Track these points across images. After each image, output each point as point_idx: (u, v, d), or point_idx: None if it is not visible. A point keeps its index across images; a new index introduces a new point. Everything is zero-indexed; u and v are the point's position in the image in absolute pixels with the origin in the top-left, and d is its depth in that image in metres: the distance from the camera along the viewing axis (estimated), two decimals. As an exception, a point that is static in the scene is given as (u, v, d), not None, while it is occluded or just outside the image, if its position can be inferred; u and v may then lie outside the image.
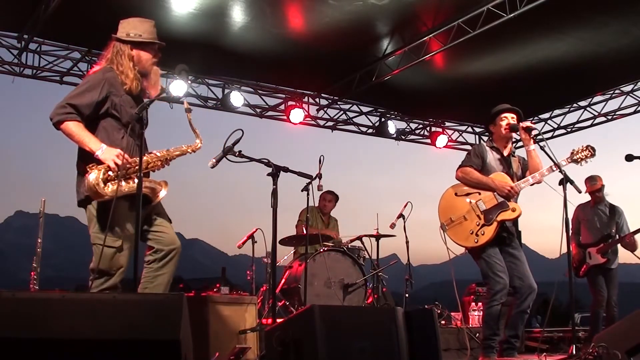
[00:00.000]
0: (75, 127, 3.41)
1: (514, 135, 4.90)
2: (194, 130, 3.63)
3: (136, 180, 3.43)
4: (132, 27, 3.65)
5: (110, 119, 3.53)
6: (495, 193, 4.71)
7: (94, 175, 3.36)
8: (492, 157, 4.86)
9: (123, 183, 3.42)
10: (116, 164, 3.36)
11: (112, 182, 3.39)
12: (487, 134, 5.22)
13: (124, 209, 3.44)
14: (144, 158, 3.53)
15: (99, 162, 3.39)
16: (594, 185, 6.91)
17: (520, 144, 10.27)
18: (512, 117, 4.85)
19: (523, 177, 4.82)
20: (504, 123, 4.86)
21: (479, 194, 4.74)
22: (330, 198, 7.74)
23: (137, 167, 3.44)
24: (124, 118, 3.53)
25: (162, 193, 3.59)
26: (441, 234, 4.77)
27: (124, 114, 3.53)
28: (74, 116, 3.42)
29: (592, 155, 4.67)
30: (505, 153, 4.92)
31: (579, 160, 4.70)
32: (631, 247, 6.72)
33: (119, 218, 3.43)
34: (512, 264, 4.69)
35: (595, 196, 6.94)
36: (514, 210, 4.71)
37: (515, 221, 4.82)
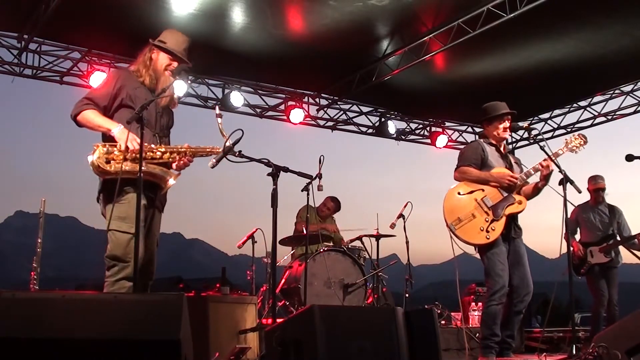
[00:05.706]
0: (91, 114, 3.57)
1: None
2: (223, 134, 3.71)
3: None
4: (163, 36, 3.86)
5: (126, 110, 3.63)
6: (499, 187, 4.73)
7: (97, 153, 3.43)
8: (491, 153, 4.86)
9: (129, 166, 3.44)
10: (127, 146, 3.42)
11: (116, 161, 3.43)
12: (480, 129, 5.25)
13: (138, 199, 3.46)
14: (162, 149, 3.62)
15: (112, 140, 3.49)
16: (598, 184, 6.87)
17: (519, 144, 10.43)
18: (509, 120, 4.89)
19: None
20: (502, 126, 4.87)
21: (483, 190, 4.73)
22: (330, 206, 7.65)
23: (150, 153, 3.53)
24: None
25: (171, 182, 3.65)
26: (450, 234, 4.68)
27: (139, 105, 3.59)
28: (91, 106, 3.58)
29: (585, 142, 4.83)
30: (502, 150, 4.95)
31: (574, 148, 4.80)
32: (637, 247, 6.65)
33: (134, 207, 3.43)
34: (515, 262, 4.70)
35: (597, 195, 6.89)
36: (520, 202, 4.73)
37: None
